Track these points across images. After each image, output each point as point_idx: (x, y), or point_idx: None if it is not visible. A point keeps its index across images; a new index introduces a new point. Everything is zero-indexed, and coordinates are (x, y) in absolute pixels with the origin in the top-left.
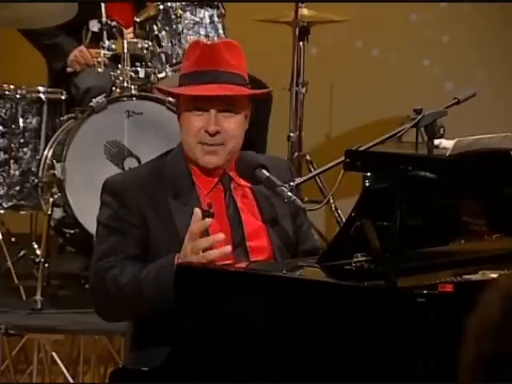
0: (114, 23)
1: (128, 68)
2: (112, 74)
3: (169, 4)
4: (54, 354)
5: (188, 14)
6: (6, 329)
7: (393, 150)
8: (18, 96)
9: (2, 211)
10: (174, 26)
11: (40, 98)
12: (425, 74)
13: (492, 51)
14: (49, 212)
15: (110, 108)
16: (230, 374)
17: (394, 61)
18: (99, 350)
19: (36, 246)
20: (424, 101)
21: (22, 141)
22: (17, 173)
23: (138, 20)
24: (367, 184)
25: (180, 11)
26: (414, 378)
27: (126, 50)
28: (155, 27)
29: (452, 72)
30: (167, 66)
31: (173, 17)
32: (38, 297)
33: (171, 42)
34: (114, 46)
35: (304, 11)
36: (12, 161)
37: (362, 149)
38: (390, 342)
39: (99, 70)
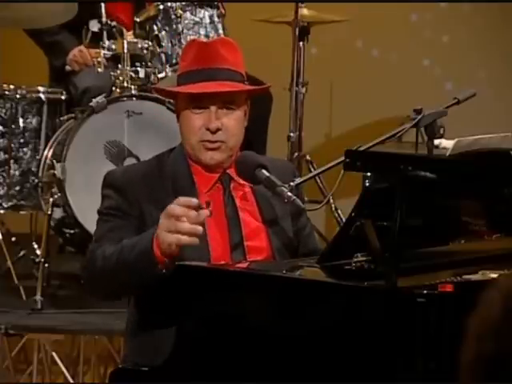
0: (114, 23)
1: (128, 68)
2: (112, 74)
3: (169, 4)
4: (54, 353)
5: (188, 14)
6: (6, 329)
7: (393, 150)
8: (18, 96)
9: (2, 211)
10: (174, 26)
11: (40, 98)
12: (425, 74)
13: (492, 51)
14: (49, 212)
15: (109, 108)
16: (230, 374)
17: (394, 61)
18: (99, 350)
19: (36, 246)
20: (424, 101)
21: (22, 141)
22: (17, 173)
23: (137, 20)
24: (367, 184)
25: (180, 11)
26: (413, 378)
27: (126, 50)
28: (155, 27)
29: (452, 72)
30: (167, 65)
31: (173, 17)
32: (38, 297)
33: (171, 41)
34: (113, 46)
35: (304, 11)
36: (12, 161)
37: (362, 149)
38: (389, 342)
39: (99, 69)
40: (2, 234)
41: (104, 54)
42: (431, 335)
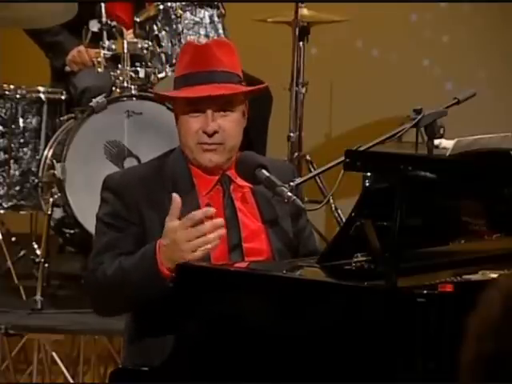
0: (113, 23)
1: (128, 68)
2: (112, 74)
3: (169, 4)
4: (54, 353)
5: (188, 14)
6: (6, 329)
7: (393, 150)
8: (17, 96)
9: (2, 211)
10: (174, 26)
11: (40, 98)
12: (425, 74)
13: (492, 51)
14: (49, 212)
15: (110, 108)
16: (230, 374)
17: (394, 61)
18: (99, 350)
19: (36, 246)
20: (424, 101)
21: (22, 141)
22: (17, 173)
23: (137, 20)
24: (367, 184)
25: (180, 11)
26: (413, 378)
27: (125, 50)
28: (155, 27)
29: (452, 72)
30: (167, 65)
31: (173, 17)
32: (38, 297)
33: (171, 41)
34: (113, 46)
35: (304, 11)
36: (12, 161)
37: (362, 149)
38: (389, 342)
39: (99, 69)
40: (2, 234)
41: (104, 53)
42: (431, 335)
